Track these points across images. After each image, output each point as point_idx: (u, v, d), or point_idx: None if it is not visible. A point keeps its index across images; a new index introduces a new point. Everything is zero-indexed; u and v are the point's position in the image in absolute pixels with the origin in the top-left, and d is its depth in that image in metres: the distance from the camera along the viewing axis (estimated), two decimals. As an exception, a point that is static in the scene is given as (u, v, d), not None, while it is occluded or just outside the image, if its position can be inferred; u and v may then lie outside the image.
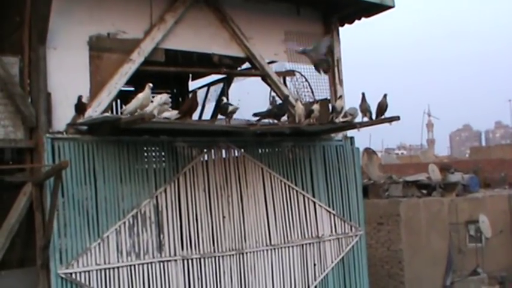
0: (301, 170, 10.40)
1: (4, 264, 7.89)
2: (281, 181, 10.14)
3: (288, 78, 10.90)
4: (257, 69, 10.33)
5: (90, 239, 8.22)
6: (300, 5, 10.76)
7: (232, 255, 9.47)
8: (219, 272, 9.31)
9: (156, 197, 8.86)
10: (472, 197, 18.66)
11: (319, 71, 10.44)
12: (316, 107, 9.56)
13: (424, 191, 18.36)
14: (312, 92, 10.90)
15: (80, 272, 8.10)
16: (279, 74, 10.67)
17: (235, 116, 9.21)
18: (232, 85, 12.05)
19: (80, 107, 8.11)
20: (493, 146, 41.63)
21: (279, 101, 10.35)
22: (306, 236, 10.30)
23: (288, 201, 10.18)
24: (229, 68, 10.23)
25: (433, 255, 16.49)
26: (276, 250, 9.93)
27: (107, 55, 8.74)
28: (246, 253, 9.61)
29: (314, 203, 10.44)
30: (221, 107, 9.25)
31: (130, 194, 8.64)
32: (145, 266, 8.64)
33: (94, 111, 8.35)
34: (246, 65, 11.00)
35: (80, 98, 8.08)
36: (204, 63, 10.52)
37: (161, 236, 8.83)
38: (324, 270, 10.40)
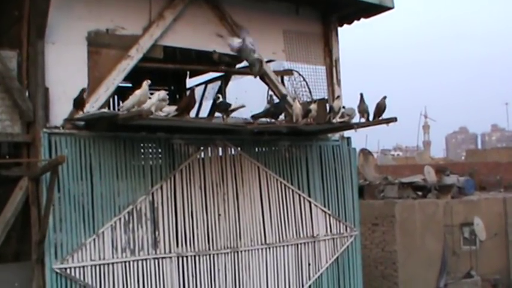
0: (297, 170, 10.40)
1: (-1, 258, 7.90)
2: (277, 180, 10.14)
3: (285, 78, 10.92)
4: (255, 68, 10.32)
5: (86, 235, 8.21)
6: (299, 4, 10.77)
7: (227, 253, 9.48)
8: (213, 269, 9.31)
9: (152, 193, 8.86)
10: (467, 199, 18.70)
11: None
12: (313, 106, 9.57)
13: (420, 193, 18.40)
14: (310, 92, 10.91)
15: (75, 268, 8.09)
16: (277, 73, 10.68)
17: (232, 114, 9.22)
18: (230, 83, 12.06)
19: (80, 101, 8.07)
20: (489, 149, 41.70)
21: (276, 100, 10.35)
22: (301, 235, 10.31)
23: (284, 201, 10.18)
24: (227, 66, 10.23)
25: (428, 257, 16.53)
26: (271, 249, 9.94)
27: (106, 51, 8.74)
28: (241, 251, 9.61)
29: (310, 202, 10.45)
30: (218, 105, 9.27)
31: (126, 190, 8.63)
32: (140, 262, 8.64)
33: (92, 107, 8.35)
34: (244, 63, 10.99)
35: (82, 90, 8.06)
36: (202, 60, 10.52)
37: (156, 233, 8.83)
38: (319, 270, 10.41)
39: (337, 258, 10.68)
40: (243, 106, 9.44)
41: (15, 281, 7.98)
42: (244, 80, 11.48)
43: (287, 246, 10.12)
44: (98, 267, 8.28)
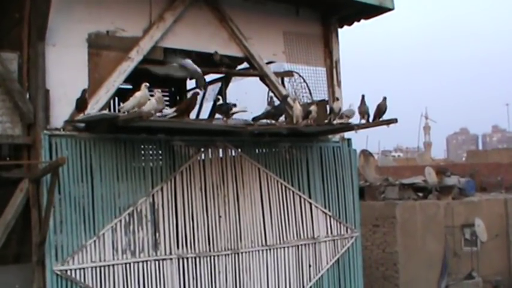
0: (298, 171, 10.40)
1: (0, 260, 7.89)
2: (278, 181, 10.14)
3: (286, 79, 10.92)
4: (255, 69, 10.35)
5: (86, 237, 8.21)
6: (299, 6, 10.78)
7: (228, 254, 9.47)
8: (214, 271, 9.30)
9: (153, 195, 8.86)
10: (468, 200, 18.68)
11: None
12: (314, 108, 9.58)
13: (420, 194, 18.39)
14: (310, 93, 10.92)
15: (75, 269, 8.09)
16: (277, 74, 10.68)
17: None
18: (231, 85, 12.04)
19: (82, 101, 8.06)
20: (490, 150, 41.64)
21: (276, 101, 10.35)
22: (302, 236, 10.31)
23: (284, 202, 10.18)
24: (228, 68, 10.24)
25: (428, 258, 16.52)
26: (272, 250, 9.94)
27: (106, 53, 8.75)
28: (242, 253, 9.61)
29: (310, 204, 10.45)
30: (219, 107, 9.27)
31: (127, 192, 8.64)
32: (140, 264, 8.64)
33: (92, 109, 8.35)
34: (245, 64, 11.00)
35: (84, 91, 8.06)
36: (202, 62, 10.51)
37: (157, 235, 8.83)
38: (319, 272, 10.41)
39: (338, 259, 10.67)
40: (245, 110, 9.45)
41: (16, 283, 7.98)
42: (245, 82, 11.49)
43: (288, 247, 10.11)
44: (98, 269, 8.28)
